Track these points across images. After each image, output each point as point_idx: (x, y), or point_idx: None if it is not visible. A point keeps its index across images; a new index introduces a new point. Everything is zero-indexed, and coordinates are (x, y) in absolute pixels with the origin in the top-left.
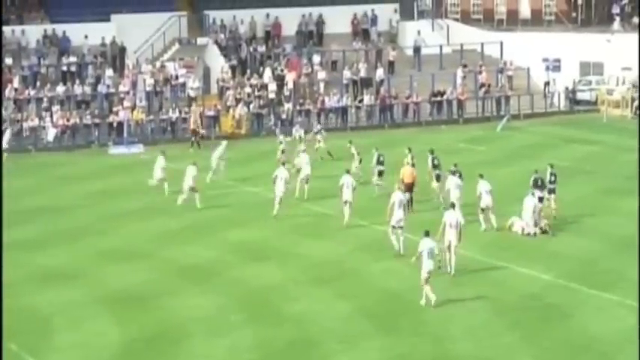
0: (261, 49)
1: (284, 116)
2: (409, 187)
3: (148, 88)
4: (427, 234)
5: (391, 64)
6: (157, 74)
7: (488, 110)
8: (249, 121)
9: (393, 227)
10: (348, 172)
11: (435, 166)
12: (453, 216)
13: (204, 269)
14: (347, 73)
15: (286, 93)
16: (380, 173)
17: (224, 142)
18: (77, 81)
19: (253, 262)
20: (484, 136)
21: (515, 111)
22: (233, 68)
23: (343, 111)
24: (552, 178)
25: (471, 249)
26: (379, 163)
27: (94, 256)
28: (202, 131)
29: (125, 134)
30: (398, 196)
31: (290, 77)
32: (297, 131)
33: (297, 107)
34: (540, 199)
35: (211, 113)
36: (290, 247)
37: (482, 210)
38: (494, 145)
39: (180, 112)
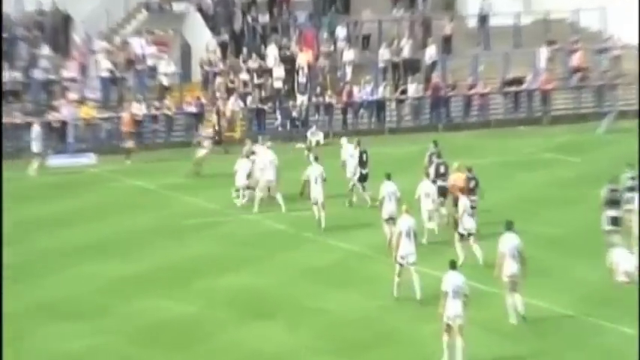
0: (264, 18)
1: (295, 114)
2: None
3: (103, 74)
4: (453, 266)
5: (447, 40)
6: (116, 54)
7: (585, 105)
8: (245, 120)
9: (400, 265)
10: (388, 177)
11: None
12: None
13: (183, 330)
14: (384, 53)
15: (299, 81)
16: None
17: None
18: (2, 63)
19: (252, 320)
20: (579, 142)
21: (624, 106)
22: (223, 46)
23: (379, 106)
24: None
25: (559, 301)
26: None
27: (23, 314)
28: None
29: (70, 139)
30: (405, 223)
31: (304, 59)
32: (314, 135)
33: (314, 101)
34: (615, 221)
35: (192, 109)
36: (302, 299)
37: (462, 236)
38: (594, 154)
39: (149, 107)
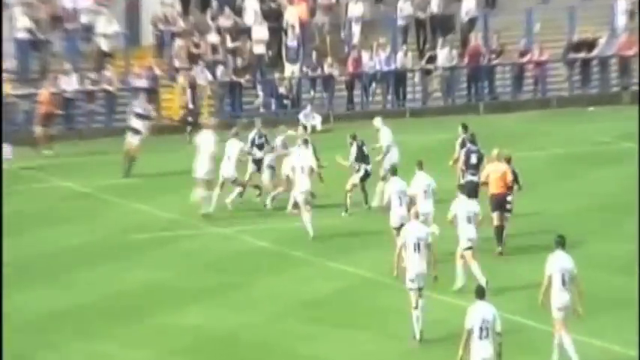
0: None
1: (283, 90)
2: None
3: (19, 36)
4: (481, 294)
5: None
6: (38, 8)
7: None
8: (214, 98)
9: (410, 289)
10: (394, 172)
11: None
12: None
13: None
14: (405, 7)
15: (288, 45)
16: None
17: None
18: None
19: None
20: None
21: None
22: None
23: (398, 79)
24: None
25: None
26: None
27: None
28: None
29: None
30: (414, 230)
31: (294, 14)
32: (309, 118)
33: (309, 72)
34: None
35: (141, 83)
36: (293, 343)
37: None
38: None
39: (82, 80)
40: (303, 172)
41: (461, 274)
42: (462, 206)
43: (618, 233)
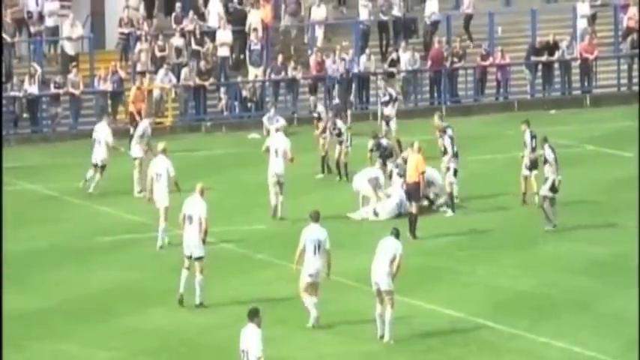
0: None
1: (246, 93)
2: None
3: None
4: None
5: None
6: (3, 11)
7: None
8: (180, 102)
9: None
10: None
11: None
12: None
13: None
14: (367, 10)
15: (252, 48)
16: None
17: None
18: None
19: None
20: (631, 131)
21: None
22: (149, 1)
23: (360, 82)
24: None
25: None
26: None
27: None
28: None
29: None
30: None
31: (257, 17)
32: (272, 121)
33: (272, 75)
34: None
35: (106, 87)
36: None
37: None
38: None
39: (46, 84)
40: (277, 156)
41: None
42: None
43: (580, 234)
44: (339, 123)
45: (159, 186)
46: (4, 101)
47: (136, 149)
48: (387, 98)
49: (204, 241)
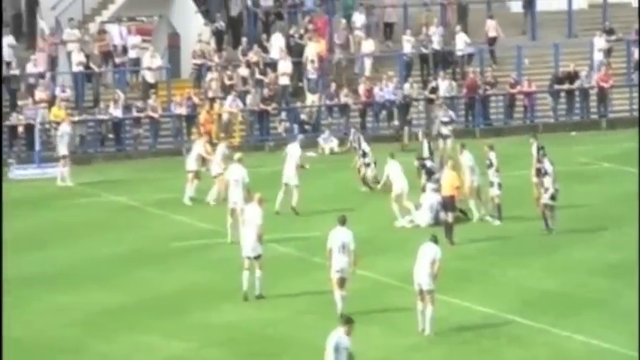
0: (266, 2)
1: (304, 116)
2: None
3: (75, 68)
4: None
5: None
6: (92, 45)
7: None
8: (246, 125)
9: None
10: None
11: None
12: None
13: None
14: (409, 44)
15: (309, 77)
16: None
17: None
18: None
19: None
20: None
21: None
22: (219, 35)
23: (402, 107)
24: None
25: None
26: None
27: None
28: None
29: (37, 146)
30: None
31: (314, 50)
32: (327, 141)
33: (327, 101)
34: None
35: (181, 111)
36: (313, 336)
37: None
38: None
39: (129, 108)
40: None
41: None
42: None
43: (599, 241)
44: (364, 144)
45: (236, 190)
46: (92, 123)
47: (193, 163)
48: (447, 119)
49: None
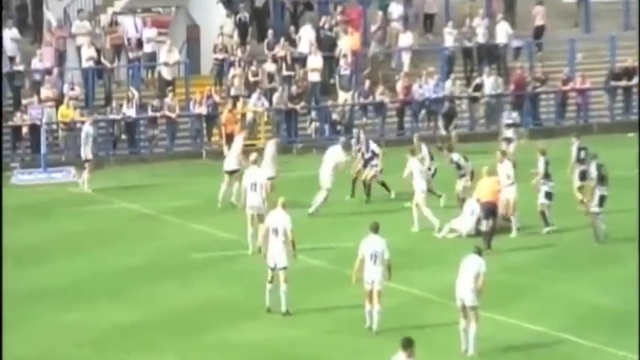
0: None
1: (336, 116)
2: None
3: (85, 64)
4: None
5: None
6: (103, 39)
7: None
8: (271, 124)
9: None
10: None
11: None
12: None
13: None
14: (452, 37)
15: (341, 73)
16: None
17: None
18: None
19: None
20: None
21: None
22: (242, 27)
23: (447, 109)
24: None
25: None
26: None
27: None
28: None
29: (43, 148)
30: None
31: (347, 43)
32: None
33: (361, 100)
34: None
35: (201, 110)
36: (347, 356)
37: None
38: None
39: (144, 107)
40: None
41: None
42: None
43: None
44: (373, 145)
45: (255, 195)
46: (104, 124)
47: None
48: (510, 121)
49: (294, 253)
